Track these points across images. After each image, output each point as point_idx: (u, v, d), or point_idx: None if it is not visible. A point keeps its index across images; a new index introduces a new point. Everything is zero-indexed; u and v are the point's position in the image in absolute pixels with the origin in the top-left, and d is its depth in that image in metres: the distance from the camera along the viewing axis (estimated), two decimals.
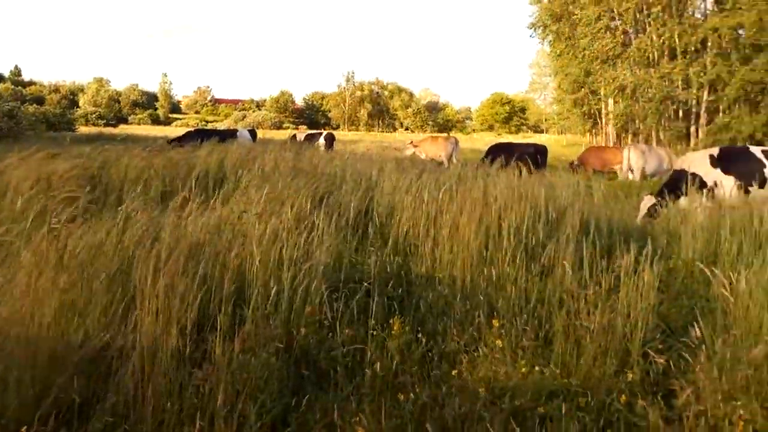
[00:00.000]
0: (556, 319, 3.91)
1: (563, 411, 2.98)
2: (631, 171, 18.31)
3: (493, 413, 3.01)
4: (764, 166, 9.34)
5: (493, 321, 3.85)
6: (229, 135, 17.52)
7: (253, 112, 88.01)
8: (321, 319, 3.89)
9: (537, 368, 3.34)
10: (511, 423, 2.93)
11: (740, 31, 33.01)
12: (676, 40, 36.09)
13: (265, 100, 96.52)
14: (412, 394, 3.16)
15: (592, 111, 46.88)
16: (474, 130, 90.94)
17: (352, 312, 4.06)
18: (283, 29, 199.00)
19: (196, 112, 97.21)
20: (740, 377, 3.13)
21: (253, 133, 20.63)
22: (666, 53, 37.56)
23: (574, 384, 3.31)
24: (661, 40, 36.75)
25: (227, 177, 8.94)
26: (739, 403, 2.95)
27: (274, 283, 3.96)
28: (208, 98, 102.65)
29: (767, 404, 2.96)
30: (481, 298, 4.44)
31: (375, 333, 3.78)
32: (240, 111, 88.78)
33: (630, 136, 40.34)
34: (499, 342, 3.60)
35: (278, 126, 76.35)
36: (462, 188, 6.69)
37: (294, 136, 25.65)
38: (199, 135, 16.38)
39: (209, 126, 55.74)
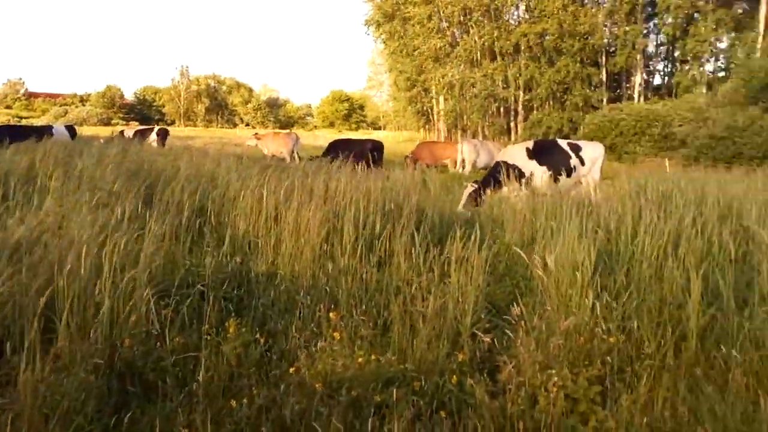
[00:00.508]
0: (394, 306, 4.03)
1: (395, 397, 3.05)
2: (464, 164, 19.60)
3: (330, 407, 3.00)
4: (570, 157, 10.52)
5: (331, 314, 3.85)
6: (44, 132, 15.68)
7: (77, 107, 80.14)
8: (148, 329, 3.59)
9: (374, 357, 3.39)
10: (348, 415, 2.95)
11: (546, 37, 37.16)
12: (495, 43, 39.50)
13: (90, 95, 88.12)
14: (246, 399, 3.04)
15: (425, 108, 49.47)
16: (316, 126, 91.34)
17: (184, 318, 3.81)
18: (109, 18, 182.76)
19: (7, 107, 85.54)
20: (553, 347, 3.46)
21: (71, 129, 18.69)
22: (488, 54, 40.95)
23: (409, 369, 3.42)
24: (482, 42, 39.98)
25: (39, 178, 7.95)
26: (553, 371, 3.24)
27: (97, 291, 3.59)
28: (21, 92, 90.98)
29: (575, 370, 3.29)
30: (326, 290, 4.44)
31: (209, 338, 3.58)
32: (61, 106, 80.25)
33: (459, 132, 43.38)
34: (336, 335, 3.61)
35: (106, 122, 70.38)
36: (305, 183, 6.65)
37: (122, 132, 23.90)
38: (6, 132, 14.41)
39: (23, 123, 49.35)
